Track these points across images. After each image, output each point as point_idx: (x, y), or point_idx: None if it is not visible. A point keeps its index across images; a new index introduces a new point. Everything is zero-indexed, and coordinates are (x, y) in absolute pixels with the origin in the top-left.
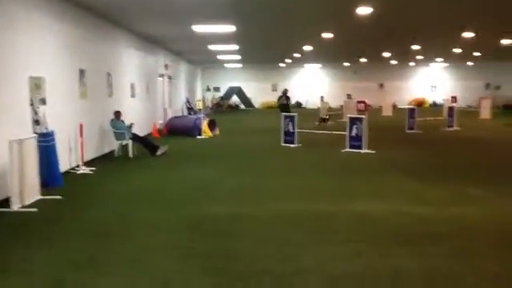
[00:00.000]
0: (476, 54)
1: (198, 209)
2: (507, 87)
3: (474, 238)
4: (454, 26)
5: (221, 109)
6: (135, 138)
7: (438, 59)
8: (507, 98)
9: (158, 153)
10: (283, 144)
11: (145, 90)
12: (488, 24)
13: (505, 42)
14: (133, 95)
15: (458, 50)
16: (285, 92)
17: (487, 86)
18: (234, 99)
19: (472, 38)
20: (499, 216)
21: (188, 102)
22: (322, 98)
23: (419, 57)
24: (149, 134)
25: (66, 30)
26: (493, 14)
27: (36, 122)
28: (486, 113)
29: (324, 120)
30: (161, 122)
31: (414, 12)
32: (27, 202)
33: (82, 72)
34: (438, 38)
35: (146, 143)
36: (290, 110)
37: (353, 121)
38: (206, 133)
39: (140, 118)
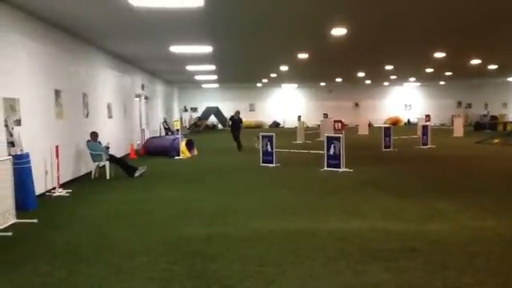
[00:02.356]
0: (448, 73)
1: (176, 230)
2: (478, 105)
3: (447, 252)
4: (425, 46)
5: (198, 129)
6: (112, 159)
7: (411, 79)
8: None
9: (136, 174)
10: (262, 164)
11: (122, 111)
12: (458, 45)
13: (474, 61)
14: (110, 116)
15: (430, 70)
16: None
17: (459, 104)
18: (212, 119)
19: (443, 58)
20: (470, 230)
21: (165, 122)
22: (299, 117)
23: (393, 76)
24: (126, 155)
25: (42, 49)
26: (461, 36)
27: (11, 144)
28: (458, 131)
29: None
30: (138, 142)
31: (386, 33)
32: (2, 226)
33: (57, 92)
34: (411, 58)
35: (123, 164)
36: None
37: (330, 140)
38: (184, 153)
39: (117, 138)
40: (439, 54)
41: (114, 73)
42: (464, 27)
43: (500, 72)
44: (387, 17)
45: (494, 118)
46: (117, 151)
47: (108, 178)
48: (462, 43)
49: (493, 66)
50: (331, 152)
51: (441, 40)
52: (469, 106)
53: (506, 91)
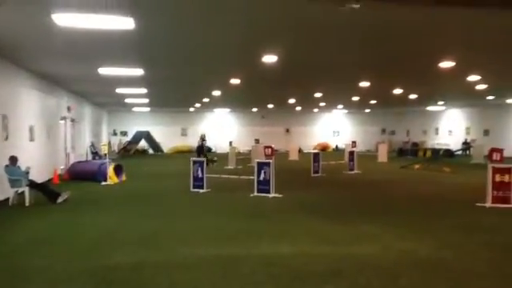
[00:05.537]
0: (372, 101)
1: (102, 257)
2: (401, 132)
3: (371, 274)
4: (351, 76)
5: (128, 153)
6: (33, 184)
7: (339, 106)
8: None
9: (59, 200)
10: (192, 189)
11: (45, 134)
12: (380, 76)
13: (396, 91)
14: (31, 139)
15: (356, 98)
16: (203, 137)
17: (383, 131)
18: (142, 143)
19: (368, 88)
20: (394, 251)
21: (93, 146)
22: (230, 142)
23: (322, 103)
24: (49, 180)
25: None
26: (383, 69)
27: None
28: (383, 156)
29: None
30: (62, 167)
31: (313, 63)
32: None
33: None
34: (338, 87)
35: (45, 190)
36: (205, 152)
37: (260, 165)
38: (112, 178)
39: (39, 163)
40: (364, 84)
41: (38, 94)
42: (384, 62)
43: (420, 101)
44: (313, 47)
45: (415, 144)
46: (38, 176)
47: (27, 204)
48: (383, 75)
49: (413, 96)
50: (261, 177)
51: (364, 71)
52: (392, 132)
53: (426, 119)
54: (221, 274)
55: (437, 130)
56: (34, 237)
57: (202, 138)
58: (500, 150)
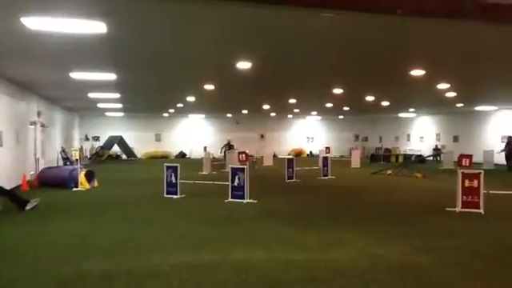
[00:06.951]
0: (346, 108)
1: (71, 266)
2: (373, 138)
3: (344, 280)
4: (324, 83)
5: (100, 159)
6: (1, 191)
7: (313, 112)
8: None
9: (28, 207)
10: (166, 195)
11: (14, 139)
12: (353, 83)
13: (369, 98)
14: None
15: (329, 105)
16: (229, 142)
17: (356, 137)
18: (115, 149)
19: (341, 94)
20: (366, 257)
21: (64, 151)
22: (205, 148)
23: (296, 110)
24: (18, 187)
25: None
26: (357, 76)
27: None
28: (356, 162)
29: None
30: (32, 173)
31: (286, 70)
32: None
33: None
34: (312, 93)
35: (12, 197)
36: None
37: (235, 171)
38: (83, 184)
39: (8, 168)
40: (337, 91)
41: (7, 99)
42: (356, 70)
43: (391, 108)
44: (287, 55)
45: (387, 150)
46: (7, 182)
47: None
48: (356, 82)
49: (385, 103)
50: (236, 183)
51: (337, 79)
52: (365, 139)
53: (398, 126)
54: (194, 281)
55: (408, 136)
56: (0, 246)
57: (229, 143)
58: (469, 156)
